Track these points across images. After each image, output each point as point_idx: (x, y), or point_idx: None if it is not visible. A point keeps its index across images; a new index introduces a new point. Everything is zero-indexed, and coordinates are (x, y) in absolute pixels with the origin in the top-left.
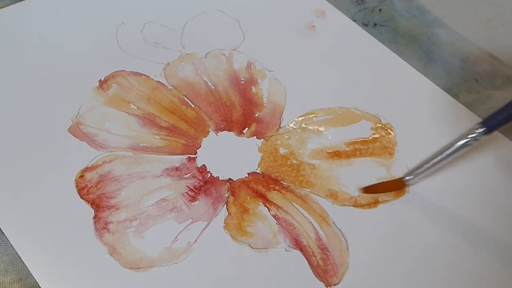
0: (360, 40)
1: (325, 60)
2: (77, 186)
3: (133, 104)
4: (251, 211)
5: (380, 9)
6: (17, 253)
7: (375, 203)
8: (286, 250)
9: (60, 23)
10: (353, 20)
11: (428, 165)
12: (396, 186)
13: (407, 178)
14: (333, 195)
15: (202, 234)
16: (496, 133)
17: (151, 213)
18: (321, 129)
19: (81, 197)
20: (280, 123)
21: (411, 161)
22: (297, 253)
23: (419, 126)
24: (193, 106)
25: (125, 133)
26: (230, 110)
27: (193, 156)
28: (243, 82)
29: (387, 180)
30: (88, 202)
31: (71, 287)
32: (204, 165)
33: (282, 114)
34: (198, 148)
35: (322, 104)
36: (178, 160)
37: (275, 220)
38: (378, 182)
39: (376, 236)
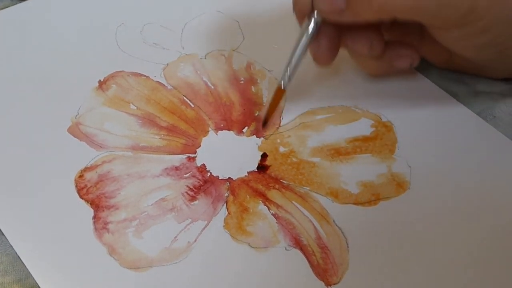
0: None
1: None
2: (76, 186)
3: (133, 104)
4: (251, 210)
5: None
6: (16, 253)
7: (376, 200)
8: (286, 249)
9: (60, 24)
10: None
11: (292, 63)
12: (279, 96)
13: (282, 84)
14: (333, 193)
15: (201, 234)
16: (497, 133)
17: (151, 213)
18: (321, 127)
19: (81, 197)
20: (280, 122)
21: (411, 158)
22: (297, 252)
23: (419, 124)
24: (192, 106)
25: (125, 133)
26: (229, 109)
27: (193, 155)
28: (242, 82)
29: (269, 103)
30: (88, 202)
31: (71, 287)
32: (203, 164)
33: (282, 113)
34: (198, 148)
35: (322, 103)
36: (177, 159)
37: (275, 219)
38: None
39: (377, 234)
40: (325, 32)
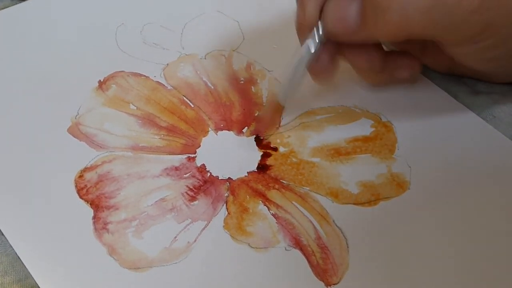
0: None
1: None
2: (76, 186)
3: (133, 105)
4: (251, 210)
5: None
6: (16, 253)
7: (376, 200)
8: (286, 249)
9: (60, 24)
10: None
11: (293, 83)
12: (279, 113)
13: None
14: (333, 193)
15: (201, 234)
16: (497, 133)
17: (151, 213)
18: (321, 127)
19: (81, 197)
20: (280, 122)
21: (411, 158)
22: (297, 252)
23: (419, 124)
24: (192, 106)
25: (125, 133)
26: (229, 109)
27: (193, 155)
28: (242, 82)
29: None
30: (88, 202)
31: (71, 287)
32: (203, 164)
33: (282, 113)
34: (198, 148)
35: (322, 103)
36: (177, 159)
37: (274, 219)
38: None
39: (376, 234)
40: (326, 50)
